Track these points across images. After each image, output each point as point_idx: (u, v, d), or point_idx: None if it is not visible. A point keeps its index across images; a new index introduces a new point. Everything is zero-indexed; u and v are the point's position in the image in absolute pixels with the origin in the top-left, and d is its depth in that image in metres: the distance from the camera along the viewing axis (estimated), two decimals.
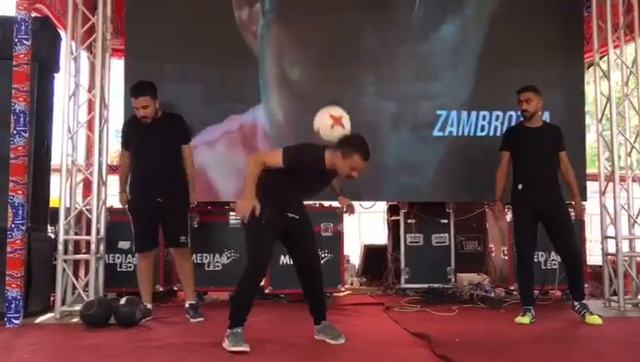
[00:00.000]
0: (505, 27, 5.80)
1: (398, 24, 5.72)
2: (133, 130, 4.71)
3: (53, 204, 5.12)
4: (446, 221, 5.93)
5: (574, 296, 4.55)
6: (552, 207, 4.52)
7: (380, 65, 5.71)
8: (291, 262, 5.38)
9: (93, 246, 4.76)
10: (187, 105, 5.38)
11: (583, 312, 4.43)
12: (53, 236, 5.07)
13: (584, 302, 4.51)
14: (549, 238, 4.59)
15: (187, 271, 4.72)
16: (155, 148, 4.59)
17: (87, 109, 5.38)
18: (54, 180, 5.07)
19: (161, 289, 5.44)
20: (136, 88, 4.59)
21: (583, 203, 5.36)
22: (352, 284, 6.69)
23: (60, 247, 4.74)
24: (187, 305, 4.63)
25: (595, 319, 4.38)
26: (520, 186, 4.58)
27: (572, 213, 4.77)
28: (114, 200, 5.64)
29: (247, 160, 3.72)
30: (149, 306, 4.61)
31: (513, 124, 5.46)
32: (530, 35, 5.82)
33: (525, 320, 4.43)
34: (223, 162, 5.55)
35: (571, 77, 5.81)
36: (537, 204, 4.50)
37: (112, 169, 5.57)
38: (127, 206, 4.70)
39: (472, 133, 5.75)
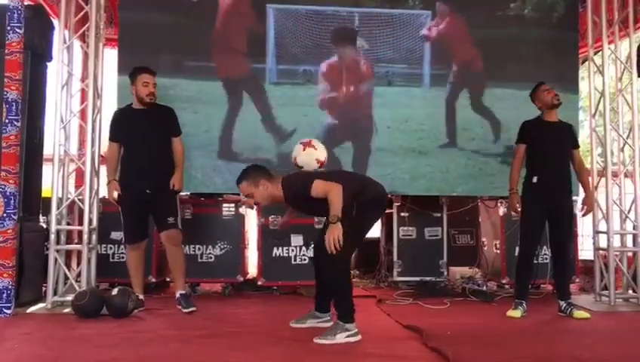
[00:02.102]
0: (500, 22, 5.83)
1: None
2: (124, 120, 4.66)
3: (45, 193, 5.09)
4: (439, 214, 5.93)
5: (560, 295, 4.58)
6: (561, 203, 4.53)
7: None
8: (283, 255, 5.49)
9: (85, 237, 4.74)
10: (180, 97, 5.37)
11: (569, 310, 4.45)
12: (45, 226, 5.05)
13: (569, 300, 4.54)
14: (548, 230, 4.61)
15: (178, 258, 4.63)
16: (145, 140, 4.56)
17: (80, 99, 5.35)
18: (47, 170, 5.05)
19: (153, 280, 5.43)
20: (146, 67, 4.61)
21: (575, 198, 5.39)
22: None
23: (52, 237, 4.72)
24: (178, 295, 4.58)
25: (582, 314, 4.41)
26: (535, 179, 4.56)
27: (581, 208, 4.79)
28: (106, 191, 5.62)
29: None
30: (141, 297, 4.60)
31: None
32: (526, 30, 5.84)
33: (516, 314, 4.46)
34: None
35: (565, 72, 5.82)
36: (548, 200, 4.49)
37: (104, 159, 5.53)
38: (116, 197, 4.63)
39: None
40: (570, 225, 4.62)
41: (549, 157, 4.55)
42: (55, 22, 5.12)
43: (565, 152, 4.61)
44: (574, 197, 4.90)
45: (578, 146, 4.72)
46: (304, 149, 4.13)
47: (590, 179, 5.32)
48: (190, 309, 4.48)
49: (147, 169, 4.54)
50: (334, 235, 3.46)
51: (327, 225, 3.85)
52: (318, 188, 3.62)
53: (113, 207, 5.15)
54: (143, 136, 4.56)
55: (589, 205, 4.73)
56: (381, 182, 3.96)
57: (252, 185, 3.76)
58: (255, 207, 4.18)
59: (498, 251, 5.83)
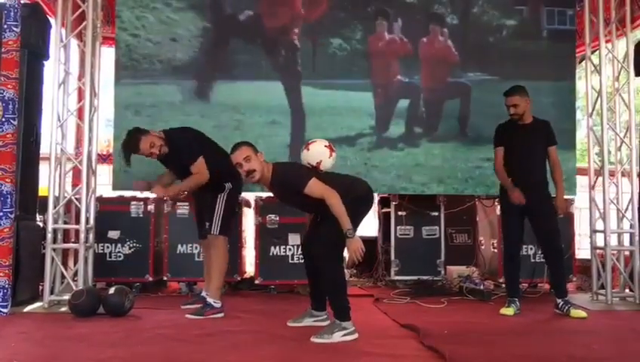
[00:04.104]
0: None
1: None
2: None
3: (42, 192, 5.08)
4: (436, 213, 5.94)
5: (556, 294, 4.58)
6: (537, 204, 4.53)
7: None
8: (281, 254, 5.48)
9: (82, 236, 4.74)
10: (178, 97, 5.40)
11: (567, 308, 4.46)
12: (42, 225, 5.05)
13: (566, 299, 4.54)
14: (534, 234, 4.61)
15: (210, 261, 4.56)
16: (178, 175, 4.56)
17: (77, 97, 5.34)
18: (43, 169, 5.04)
19: (150, 279, 5.42)
20: (131, 141, 4.30)
21: (573, 197, 5.41)
22: None
23: (49, 236, 4.72)
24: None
25: (579, 313, 4.41)
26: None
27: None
28: (104, 190, 5.62)
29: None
30: (210, 300, 4.39)
31: None
32: (523, 27, 5.85)
33: (509, 311, 4.48)
34: None
35: (563, 72, 5.82)
36: (524, 199, 4.51)
37: (101, 158, 5.54)
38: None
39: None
40: (551, 220, 4.56)
41: (521, 158, 4.58)
42: (52, 20, 5.11)
43: (538, 151, 4.61)
44: (572, 196, 4.91)
45: (554, 143, 4.66)
46: (330, 155, 4.06)
47: (588, 178, 5.35)
48: (190, 316, 4.27)
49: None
50: (358, 249, 3.56)
51: (315, 222, 3.96)
52: (314, 188, 3.63)
53: (110, 206, 5.17)
54: (176, 173, 4.57)
55: (560, 205, 4.65)
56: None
57: (252, 151, 3.74)
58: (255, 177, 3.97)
59: (495, 250, 5.84)
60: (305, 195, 3.65)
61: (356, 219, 3.77)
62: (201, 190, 4.48)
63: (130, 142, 4.34)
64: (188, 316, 4.28)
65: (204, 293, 4.59)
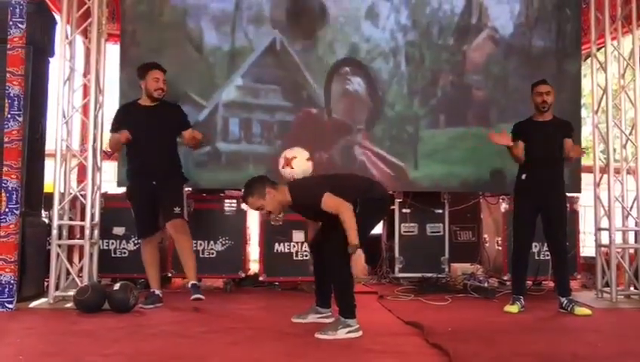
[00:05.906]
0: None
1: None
2: (129, 116, 4.68)
3: (47, 189, 5.10)
4: (441, 211, 5.93)
5: (560, 292, 4.57)
6: (551, 202, 4.53)
7: None
8: (285, 251, 5.49)
9: (87, 232, 4.75)
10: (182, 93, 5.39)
11: (570, 306, 4.45)
12: (47, 221, 5.06)
13: (570, 297, 4.53)
14: (543, 229, 4.61)
15: (186, 247, 4.56)
16: (151, 136, 4.56)
17: (83, 94, 5.35)
18: (49, 165, 5.06)
19: None
20: (157, 64, 4.72)
21: (577, 195, 5.38)
22: None
23: (54, 232, 4.73)
24: (189, 285, 4.51)
25: (584, 310, 4.40)
26: (524, 176, 4.60)
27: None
28: (109, 186, 5.64)
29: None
30: (158, 292, 4.60)
31: None
32: (528, 25, 5.83)
33: (514, 309, 4.48)
34: None
35: (568, 69, 5.80)
36: (537, 198, 4.52)
37: (106, 155, 5.55)
38: (125, 193, 4.72)
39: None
40: (560, 220, 4.57)
41: (538, 157, 4.56)
42: (57, 17, 5.12)
43: (556, 151, 4.59)
44: (577, 194, 4.89)
45: (570, 136, 4.64)
46: (312, 168, 4.12)
47: (593, 176, 5.34)
48: (196, 296, 4.37)
49: (153, 163, 4.56)
50: (361, 265, 3.51)
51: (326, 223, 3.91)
52: (329, 203, 3.63)
53: (115, 203, 5.18)
54: (149, 132, 4.56)
55: (575, 149, 4.64)
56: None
57: (259, 198, 3.73)
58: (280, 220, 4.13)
59: (500, 248, 5.83)
60: (324, 211, 3.65)
61: (368, 219, 3.77)
62: (162, 176, 4.56)
63: (156, 63, 4.71)
64: (197, 296, 4.36)
65: (190, 283, 4.53)
